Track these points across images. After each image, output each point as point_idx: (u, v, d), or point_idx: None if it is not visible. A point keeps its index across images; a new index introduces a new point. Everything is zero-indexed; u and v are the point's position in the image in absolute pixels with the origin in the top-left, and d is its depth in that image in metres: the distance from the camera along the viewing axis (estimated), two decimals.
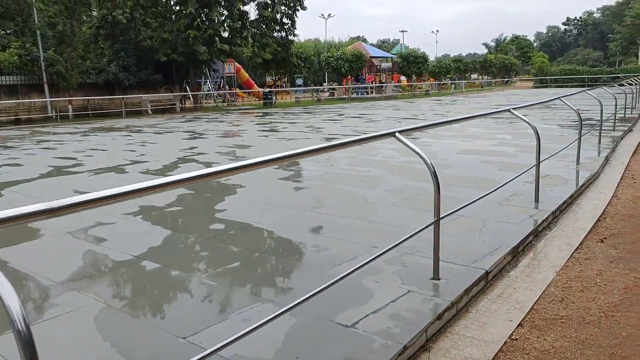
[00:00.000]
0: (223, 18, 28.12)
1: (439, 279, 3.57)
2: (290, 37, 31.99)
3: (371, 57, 41.59)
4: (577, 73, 50.12)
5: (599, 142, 9.68)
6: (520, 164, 7.73)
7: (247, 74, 42.71)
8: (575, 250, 4.39)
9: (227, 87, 39.55)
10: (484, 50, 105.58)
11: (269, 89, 33.01)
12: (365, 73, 52.38)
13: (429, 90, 45.33)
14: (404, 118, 18.85)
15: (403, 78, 52.52)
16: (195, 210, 5.99)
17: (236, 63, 40.51)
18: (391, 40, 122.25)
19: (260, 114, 24.71)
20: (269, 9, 28.83)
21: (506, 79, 63.21)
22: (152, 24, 26.03)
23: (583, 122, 12.59)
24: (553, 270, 3.94)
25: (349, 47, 42.38)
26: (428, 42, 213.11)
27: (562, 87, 47.33)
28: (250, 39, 28.44)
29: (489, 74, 58.06)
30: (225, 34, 27.13)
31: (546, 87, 49.85)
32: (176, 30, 26.36)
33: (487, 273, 3.72)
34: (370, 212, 5.55)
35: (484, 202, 5.03)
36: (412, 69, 42.61)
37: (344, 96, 39.61)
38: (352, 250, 4.24)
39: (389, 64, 49.10)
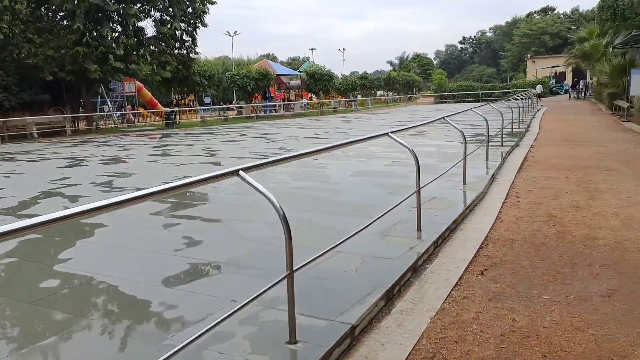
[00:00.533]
0: (117, 35, 26.49)
1: (295, 343, 3.02)
2: (191, 55, 30.82)
3: (278, 74, 41.33)
4: (472, 89, 53.08)
5: (487, 159, 9.79)
6: (411, 185, 7.48)
7: (149, 93, 40.82)
8: (454, 287, 4.04)
9: (129, 107, 37.55)
10: (389, 68, 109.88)
11: (170, 109, 31.57)
12: (275, 91, 52.19)
13: (336, 108, 45.83)
14: (306, 137, 18.53)
15: (312, 95, 52.96)
16: (32, 261, 5.03)
17: (137, 82, 38.63)
18: (301, 58, 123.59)
19: (159, 136, 23.41)
20: (167, 26, 27.59)
21: (409, 95, 65.79)
22: (35, 40, 23.87)
23: (475, 138, 12.84)
24: (428, 316, 3.53)
25: (255, 65, 41.85)
26: (337, 60, 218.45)
27: (459, 102, 49.82)
28: (147, 57, 26.98)
29: (393, 90, 59.99)
30: (121, 51, 25.47)
31: (445, 102, 52.26)
32: (63, 46, 24.41)
33: (353, 328, 3.23)
34: (241, 253, 4.93)
35: (366, 233, 4.62)
36: (319, 87, 42.87)
37: (252, 114, 38.97)
38: (204, 308, 3.60)
39: (298, 82, 49.20)
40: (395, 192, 7.28)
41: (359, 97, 60.30)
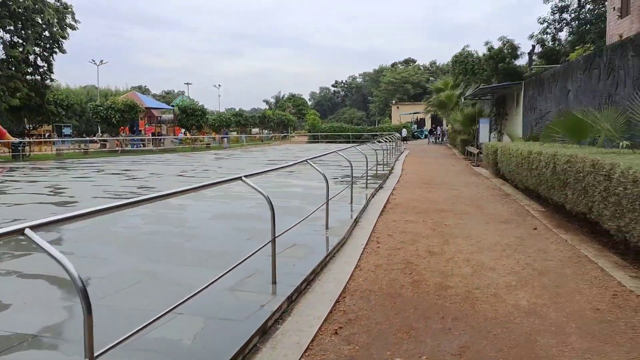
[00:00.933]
0: None
1: None
2: (46, 82, 28.11)
3: (147, 107, 39.41)
4: (343, 130, 55.46)
5: (351, 202, 9.82)
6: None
7: None
8: (305, 352, 3.66)
9: None
10: (265, 106, 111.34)
11: (19, 140, 28.30)
12: (145, 124, 49.70)
13: (209, 144, 44.81)
14: (172, 174, 17.52)
15: (185, 130, 51.31)
16: None
17: None
18: (176, 91, 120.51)
19: (0, 170, 20.67)
20: (18, 49, 24.93)
21: (284, 134, 66.87)
22: None
23: (343, 179, 12.94)
24: None
25: (123, 96, 39.55)
26: (213, 96, 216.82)
27: (331, 142, 51.61)
28: None
29: (268, 128, 60.52)
30: None
31: (318, 142, 53.78)
32: None
33: None
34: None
35: (215, 288, 4.10)
36: (191, 122, 41.66)
37: (117, 148, 36.51)
38: None
39: (171, 116, 47.39)
40: (256, 237, 6.85)
41: (234, 133, 60.04)
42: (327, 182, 7.28)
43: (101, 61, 51.16)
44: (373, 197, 11.44)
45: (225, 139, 42.89)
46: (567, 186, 7.93)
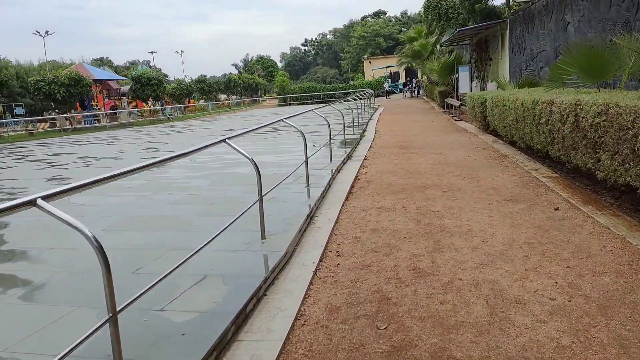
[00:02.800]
0: None
1: None
2: None
3: (95, 80, 35.86)
4: (314, 90, 52.43)
5: (307, 184, 7.45)
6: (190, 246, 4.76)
7: None
8: None
9: None
10: (235, 71, 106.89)
11: None
12: (104, 98, 46.13)
13: (171, 115, 41.65)
14: (102, 157, 14.79)
15: (151, 102, 47.92)
16: None
17: None
18: (141, 61, 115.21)
19: None
20: None
21: (254, 98, 63.59)
22: None
23: (296, 154, 10.34)
24: None
25: (68, 69, 35.90)
26: (180, 64, 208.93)
27: (302, 104, 48.75)
28: None
29: (235, 93, 57.24)
30: None
31: (288, 104, 50.88)
32: None
33: None
34: None
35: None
36: (147, 92, 38.33)
37: (68, 127, 33.31)
38: None
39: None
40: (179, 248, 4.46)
41: (202, 102, 56.63)
42: (257, 171, 4.84)
43: (47, 32, 46.74)
44: (339, 172, 9.08)
45: (166, 109, 38.94)
46: (601, 148, 5.64)
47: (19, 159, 15.93)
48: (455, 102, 20.49)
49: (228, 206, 6.62)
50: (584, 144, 6.10)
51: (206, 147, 4.30)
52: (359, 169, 9.46)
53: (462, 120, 18.29)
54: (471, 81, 23.55)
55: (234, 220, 4.36)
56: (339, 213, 6.31)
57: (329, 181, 8.00)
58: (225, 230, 4.13)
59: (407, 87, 48.15)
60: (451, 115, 20.84)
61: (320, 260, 4.65)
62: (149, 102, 40.22)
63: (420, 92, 46.35)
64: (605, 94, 6.36)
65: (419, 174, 8.62)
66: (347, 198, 7.18)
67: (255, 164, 4.77)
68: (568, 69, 7.72)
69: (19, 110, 43.58)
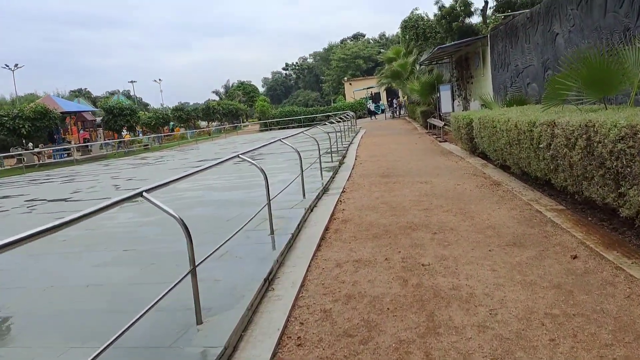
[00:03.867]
0: None
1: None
2: None
3: (63, 112, 34.38)
4: (295, 114, 51.47)
5: (271, 232, 6.22)
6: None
7: None
8: None
9: None
10: (216, 98, 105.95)
11: None
12: (78, 130, 44.62)
13: (148, 145, 40.27)
14: (52, 200, 13.38)
15: (124, 133, 46.54)
16: None
17: None
18: (121, 91, 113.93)
19: None
20: None
21: (235, 125, 62.44)
22: None
23: (259, 191, 9.09)
24: None
25: (34, 102, 34.44)
26: (162, 92, 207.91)
27: (284, 128, 47.71)
28: None
29: (214, 120, 56.10)
30: None
31: (269, 129, 49.81)
32: None
33: None
34: None
35: None
36: (120, 123, 36.95)
37: (35, 163, 31.76)
38: None
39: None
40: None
41: (183, 129, 55.29)
42: (187, 233, 3.61)
43: (16, 65, 45.36)
44: (312, 210, 7.87)
45: (120, 142, 36.39)
46: (626, 180, 4.53)
47: None
48: (438, 123, 19.53)
49: (170, 267, 5.34)
50: (601, 174, 4.99)
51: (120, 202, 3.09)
52: (336, 204, 8.27)
53: (446, 141, 17.29)
54: (453, 100, 22.68)
55: (155, 303, 3.12)
56: (307, 271, 5.09)
57: (299, 224, 6.79)
58: (150, 310, 2.91)
59: (390, 107, 47.50)
60: (435, 135, 19.85)
61: (273, 356, 3.40)
62: (123, 132, 38.83)
63: (402, 112, 45.65)
64: (621, 111, 5.28)
65: (404, 210, 7.45)
66: (319, 247, 5.97)
67: (184, 222, 3.55)
68: (568, 84, 6.67)
69: None
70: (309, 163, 11.64)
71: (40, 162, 32.18)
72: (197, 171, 4.80)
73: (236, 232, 4.94)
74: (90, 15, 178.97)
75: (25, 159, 32.26)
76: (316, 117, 49.05)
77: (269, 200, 6.18)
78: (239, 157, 6.03)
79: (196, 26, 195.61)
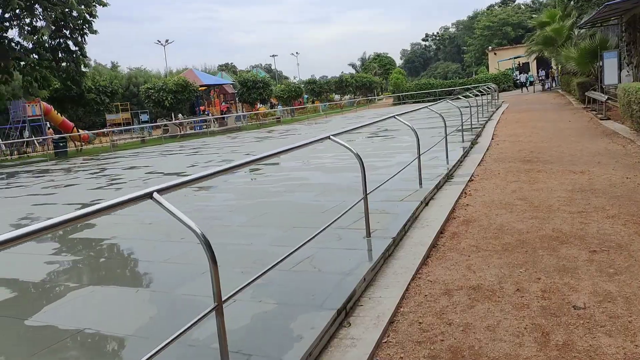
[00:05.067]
0: None
1: None
2: (81, 68, 25.38)
3: (202, 85, 35.96)
4: (431, 87, 48.62)
5: (368, 234, 4.92)
6: None
7: (60, 115, 35.07)
8: None
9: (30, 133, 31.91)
10: (352, 70, 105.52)
11: (59, 135, 26.10)
12: (221, 102, 47.01)
13: (280, 118, 40.89)
14: (172, 174, 13.39)
15: (261, 106, 48.05)
16: None
17: (44, 103, 32.91)
18: (263, 65, 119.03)
19: (19, 173, 18.03)
20: (37, 35, 22.16)
21: (369, 98, 61.20)
22: None
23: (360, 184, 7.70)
24: None
25: (177, 76, 36.52)
26: (301, 66, 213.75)
27: (418, 102, 45.33)
28: (16, 72, 21.55)
29: (347, 93, 55.40)
30: None
31: (403, 103, 47.77)
32: None
33: None
34: None
35: None
36: (253, 96, 37.76)
37: (177, 133, 33.80)
38: None
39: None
40: None
41: (316, 102, 55.59)
42: (207, 250, 2.49)
43: (166, 41, 48.86)
44: (427, 204, 6.39)
45: (234, 116, 36.25)
46: None
47: (92, 173, 15.20)
48: (600, 97, 16.32)
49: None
50: None
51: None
52: (458, 197, 6.70)
53: (609, 119, 14.30)
54: (620, 69, 18.95)
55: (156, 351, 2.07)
56: (402, 298, 3.74)
57: (407, 223, 5.39)
58: None
59: (540, 79, 42.59)
60: (594, 112, 16.70)
61: None
62: (256, 105, 39.83)
63: (554, 85, 40.63)
64: None
65: (549, 211, 5.65)
66: (426, 259, 4.56)
67: (205, 239, 2.46)
68: None
69: (144, 117, 45.73)
70: (433, 142, 10.03)
71: (182, 132, 34.19)
72: (262, 157, 3.65)
73: (311, 239, 3.72)
74: None
75: (169, 129, 34.53)
76: (454, 89, 45.81)
77: (366, 195, 4.86)
78: (330, 138, 4.78)
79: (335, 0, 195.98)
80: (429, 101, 44.24)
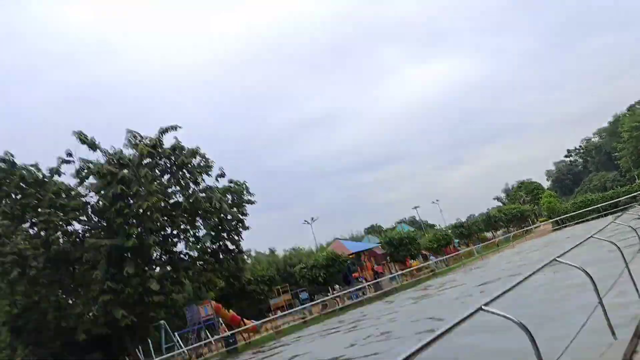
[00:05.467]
0: (148, 268, 24.13)
1: None
2: (239, 265, 27.50)
3: (351, 254, 36.61)
4: (590, 203, 44.20)
5: None
6: None
7: (229, 311, 37.41)
8: None
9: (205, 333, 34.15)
10: (498, 204, 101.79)
11: (230, 332, 27.33)
12: (373, 266, 47.13)
13: (434, 270, 39.38)
14: (345, 347, 12.74)
15: (413, 261, 47.16)
16: None
17: (213, 302, 35.63)
18: (407, 218, 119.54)
19: None
20: (200, 244, 24.92)
21: (526, 229, 57.23)
22: (61, 302, 21.93)
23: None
24: None
25: (326, 250, 37.84)
26: (444, 212, 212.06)
27: (580, 222, 41.12)
28: (186, 280, 23.96)
29: (498, 228, 52.51)
30: (156, 285, 22.73)
31: (564, 226, 43.62)
32: (90, 300, 22.17)
33: None
34: None
35: None
36: (402, 253, 37.29)
37: (335, 307, 33.76)
38: None
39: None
40: None
41: (469, 243, 53.27)
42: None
43: (312, 219, 52.05)
44: None
45: (388, 278, 33.87)
46: None
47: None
48: None
49: None
50: None
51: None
52: None
53: None
54: None
55: None
56: None
57: None
58: None
59: None
60: None
61: None
62: (407, 261, 39.12)
63: None
64: None
65: None
66: None
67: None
68: None
69: (303, 296, 46.67)
70: (614, 273, 8.44)
71: (340, 305, 34.07)
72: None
73: None
74: (369, 160, 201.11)
75: (327, 304, 34.70)
76: (619, 200, 41.14)
77: None
78: (482, 309, 4.03)
79: (465, 141, 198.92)
80: (592, 219, 39.90)
